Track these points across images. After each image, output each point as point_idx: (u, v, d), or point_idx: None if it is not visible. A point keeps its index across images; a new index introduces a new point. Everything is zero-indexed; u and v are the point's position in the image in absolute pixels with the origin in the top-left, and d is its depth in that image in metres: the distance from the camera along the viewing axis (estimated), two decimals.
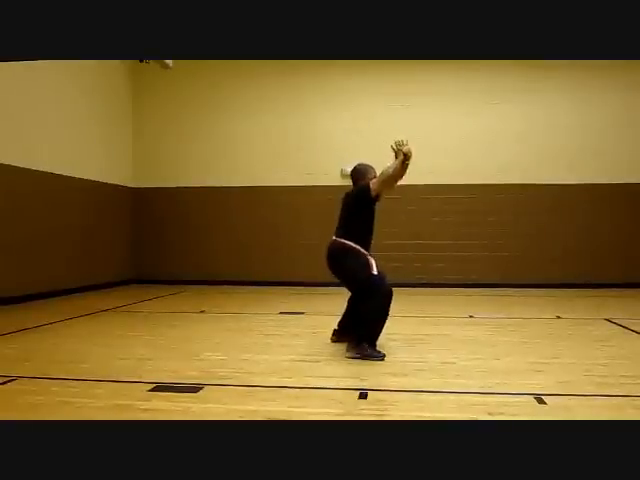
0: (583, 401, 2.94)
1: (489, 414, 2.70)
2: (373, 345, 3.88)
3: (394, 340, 4.54)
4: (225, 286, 9.47)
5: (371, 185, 3.96)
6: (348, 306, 4.38)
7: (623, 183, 9.18)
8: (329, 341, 4.47)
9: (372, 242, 4.17)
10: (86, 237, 8.58)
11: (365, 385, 3.23)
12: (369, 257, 3.99)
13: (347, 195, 4.19)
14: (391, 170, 3.79)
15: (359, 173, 4.25)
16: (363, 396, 3.00)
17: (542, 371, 3.57)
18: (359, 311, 3.97)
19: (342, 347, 4.09)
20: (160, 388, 3.16)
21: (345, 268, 4.05)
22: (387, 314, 3.94)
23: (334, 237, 4.11)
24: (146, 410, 2.77)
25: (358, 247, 3.98)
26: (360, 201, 4.05)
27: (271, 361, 3.86)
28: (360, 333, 3.90)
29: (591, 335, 4.90)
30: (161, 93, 10.05)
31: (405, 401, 2.97)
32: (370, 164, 4.31)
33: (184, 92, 9.99)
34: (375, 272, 3.88)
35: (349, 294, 4.34)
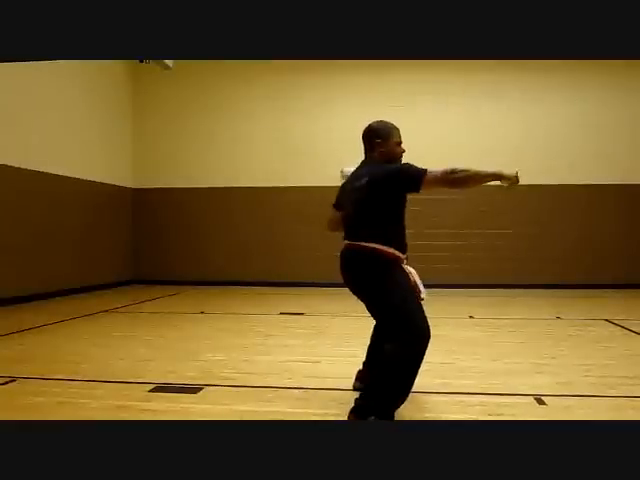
0: (583, 401, 2.94)
1: (489, 414, 2.70)
2: (386, 415, 2.48)
3: None
4: (225, 286, 9.47)
5: (428, 176, 2.64)
6: (374, 337, 3.04)
7: (623, 183, 9.19)
8: (329, 341, 4.45)
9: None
10: (86, 237, 8.58)
11: None
12: (409, 269, 2.66)
13: (364, 177, 2.70)
14: (478, 175, 2.72)
15: (378, 135, 2.89)
16: None
17: (542, 371, 3.57)
18: (383, 351, 2.60)
19: (342, 348, 4.07)
20: (160, 388, 3.17)
21: (373, 286, 2.61)
22: (419, 365, 2.59)
23: (348, 240, 2.73)
24: (146, 410, 2.78)
25: (393, 251, 2.60)
26: (395, 188, 2.66)
27: (271, 361, 3.86)
28: (373, 391, 2.52)
29: (591, 335, 4.90)
30: (161, 93, 10.05)
31: (405, 401, 2.97)
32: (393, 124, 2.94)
33: (184, 92, 9.99)
34: (423, 295, 2.65)
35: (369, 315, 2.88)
